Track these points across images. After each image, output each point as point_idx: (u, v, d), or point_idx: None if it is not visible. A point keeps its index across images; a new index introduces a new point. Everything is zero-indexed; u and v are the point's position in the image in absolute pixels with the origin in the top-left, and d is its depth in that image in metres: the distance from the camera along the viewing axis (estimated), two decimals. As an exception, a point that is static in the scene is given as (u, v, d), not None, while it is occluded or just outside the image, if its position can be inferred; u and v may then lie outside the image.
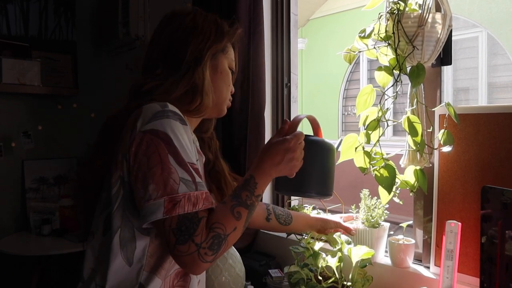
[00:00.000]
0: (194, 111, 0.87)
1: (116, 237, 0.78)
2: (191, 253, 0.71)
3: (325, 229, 1.18)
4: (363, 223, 1.17)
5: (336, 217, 1.22)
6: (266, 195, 1.63)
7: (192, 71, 0.85)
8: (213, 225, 0.73)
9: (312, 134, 0.97)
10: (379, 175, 1.01)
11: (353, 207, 1.20)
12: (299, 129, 0.88)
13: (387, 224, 1.18)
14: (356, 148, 1.04)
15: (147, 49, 0.94)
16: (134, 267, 0.78)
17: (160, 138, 0.74)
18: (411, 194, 1.10)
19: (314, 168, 0.89)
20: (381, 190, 1.06)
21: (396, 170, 1.03)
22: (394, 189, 1.03)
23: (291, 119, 0.90)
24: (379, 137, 1.01)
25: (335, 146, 0.97)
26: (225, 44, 0.93)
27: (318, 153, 0.91)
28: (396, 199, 1.10)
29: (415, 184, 1.05)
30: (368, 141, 1.01)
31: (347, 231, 1.15)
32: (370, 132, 1.01)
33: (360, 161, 1.06)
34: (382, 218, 1.15)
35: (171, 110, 0.78)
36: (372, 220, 1.15)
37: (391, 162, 1.02)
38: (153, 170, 0.72)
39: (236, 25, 0.95)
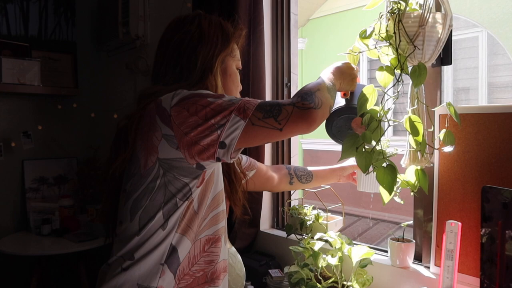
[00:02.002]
0: None
1: (159, 213, 0.82)
2: (291, 111, 0.78)
3: (344, 175, 1.31)
4: None
5: (350, 161, 1.31)
6: (267, 198, 1.63)
7: (204, 79, 0.90)
8: (296, 93, 0.83)
9: None
10: (380, 175, 1.01)
11: None
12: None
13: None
14: (357, 148, 1.03)
15: (154, 58, 0.97)
16: (167, 230, 0.82)
17: (191, 98, 0.79)
18: (412, 193, 1.10)
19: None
20: (382, 190, 1.05)
21: (397, 170, 1.03)
22: (394, 188, 1.03)
23: None
24: (380, 137, 1.01)
25: None
26: (232, 47, 0.97)
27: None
28: (397, 199, 1.10)
29: (416, 184, 1.05)
30: (369, 141, 1.00)
31: None
32: (371, 132, 1.00)
33: (362, 161, 1.05)
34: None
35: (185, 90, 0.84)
36: None
37: (392, 162, 1.02)
38: (208, 114, 0.77)
39: (240, 25, 0.99)
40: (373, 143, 1.01)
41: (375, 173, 1.10)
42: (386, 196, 1.06)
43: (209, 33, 0.92)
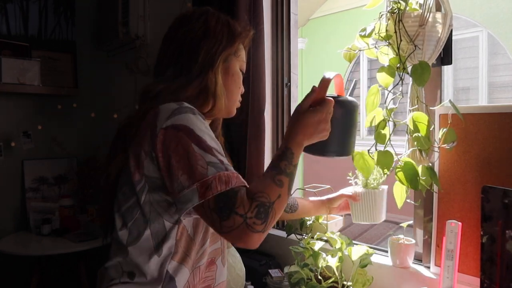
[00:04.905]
0: (207, 114, 0.89)
1: (147, 231, 0.81)
2: (239, 225, 0.70)
3: (333, 207, 1.25)
4: (363, 187, 1.15)
5: (338, 192, 1.25)
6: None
7: (204, 75, 0.87)
8: (256, 195, 0.72)
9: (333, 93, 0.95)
10: (401, 174, 1.00)
11: (350, 173, 1.21)
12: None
13: (385, 186, 1.17)
14: (369, 150, 1.02)
15: (158, 52, 0.95)
16: (162, 256, 0.81)
17: (181, 131, 0.75)
18: (424, 193, 1.09)
19: (339, 131, 0.90)
20: (396, 192, 1.05)
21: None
22: (406, 189, 1.02)
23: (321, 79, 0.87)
24: (389, 136, 1.00)
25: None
26: (237, 47, 0.93)
27: (343, 114, 0.90)
28: (407, 200, 1.09)
29: (428, 181, 1.04)
30: (383, 141, 0.99)
31: (352, 198, 1.18)
32: (381, 131, 0.99)
33: (382, 160, 1.03)
34: (380, 180, 1.15)
35: (188, 106, 0.80)
36: (373, 184, 1.14)
37: (409, 159, 1.01)
38: (181, 162, 0.74)
39: (248, 26, 0.96)
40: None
41: (371, 202, 1.10)
42: (400, 198, 1.05)
43: (215, 30, 0.89)
